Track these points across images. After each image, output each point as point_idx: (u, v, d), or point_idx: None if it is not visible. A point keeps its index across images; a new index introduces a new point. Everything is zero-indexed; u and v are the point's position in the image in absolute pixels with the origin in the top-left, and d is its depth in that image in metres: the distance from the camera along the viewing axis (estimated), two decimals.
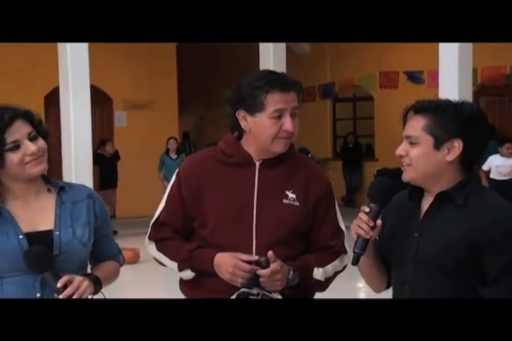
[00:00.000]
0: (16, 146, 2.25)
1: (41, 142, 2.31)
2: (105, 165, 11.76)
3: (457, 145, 2.15)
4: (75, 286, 2.23)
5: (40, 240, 2.29)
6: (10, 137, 2.24)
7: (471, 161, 2.23)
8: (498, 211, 2.14)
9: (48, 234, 2.32)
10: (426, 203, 2.25)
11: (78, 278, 2.27)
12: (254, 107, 2.49)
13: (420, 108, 2.19)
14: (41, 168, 2.32)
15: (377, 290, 2.45)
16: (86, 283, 2.28)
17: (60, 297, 2.21)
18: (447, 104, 2.19)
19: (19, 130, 2.26)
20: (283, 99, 2.47)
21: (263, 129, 2.50)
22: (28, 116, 2.31)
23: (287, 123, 2.48)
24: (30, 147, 2.27)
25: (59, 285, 2.21)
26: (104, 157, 11.87)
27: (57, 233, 2.33)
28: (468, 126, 2.15)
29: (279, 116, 2.47)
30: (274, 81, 2.48)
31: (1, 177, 2.31)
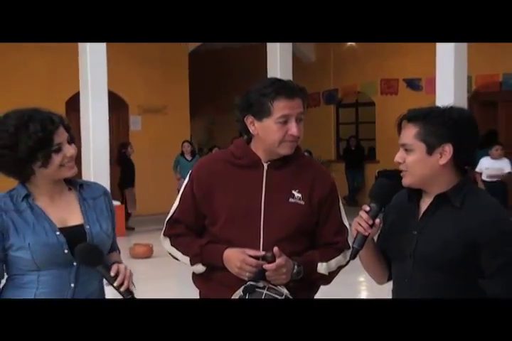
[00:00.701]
0: (59, 149, 2.28)
1: (74, 146, 2.35)
2: (130, 166, 11.87)
3: (448, 150, 2.16)
4: (124, 273, 2.31)
5: (74, 234, 2.34)
6: (56, 140, 2.27)
7: (463, 163, 2.24)
8: (493, 212, 2.16)
9: (79, 228, 2.37)
10: (424, 203, 2.26)
11: (122, 266, 2.34)
12: (261, 113, 2.50)
13: (412, 117, 2.21)
14: (73, 171, 2.37)
15: (380, 283, 2.48)
16: (128, 269, 2.36)
17: (115, 284, 2.28)
18: (436, 111, 2.21)
19: (62, 134, 2.30)
20: (288, 106, 2.48)
21: (270, 134, 2.51)
22: (64, 122, 2.35)
23: (293, 128, 2.49)
24: (70, 150, 2.32)
25: (112, 273, 2.29)
26: (128, 158, 11.95)
27: (88, 227, 2.38)
28: (457, 131, 2.16)
29: (285, 121, 2.48)
30: (280, 88, 2.49)
31: (35, 176, 2.33)
